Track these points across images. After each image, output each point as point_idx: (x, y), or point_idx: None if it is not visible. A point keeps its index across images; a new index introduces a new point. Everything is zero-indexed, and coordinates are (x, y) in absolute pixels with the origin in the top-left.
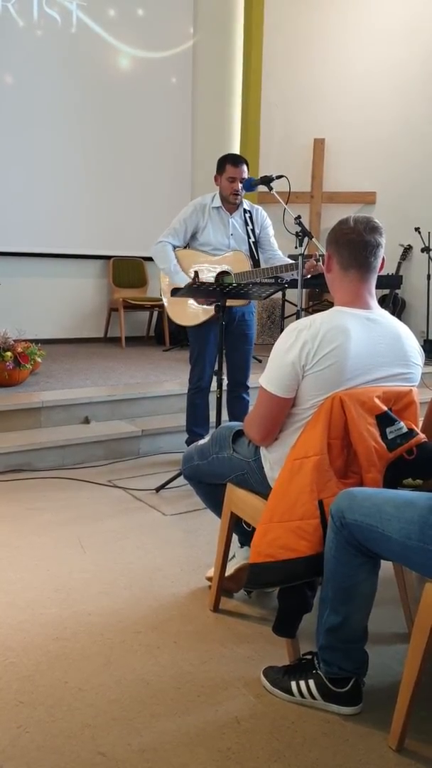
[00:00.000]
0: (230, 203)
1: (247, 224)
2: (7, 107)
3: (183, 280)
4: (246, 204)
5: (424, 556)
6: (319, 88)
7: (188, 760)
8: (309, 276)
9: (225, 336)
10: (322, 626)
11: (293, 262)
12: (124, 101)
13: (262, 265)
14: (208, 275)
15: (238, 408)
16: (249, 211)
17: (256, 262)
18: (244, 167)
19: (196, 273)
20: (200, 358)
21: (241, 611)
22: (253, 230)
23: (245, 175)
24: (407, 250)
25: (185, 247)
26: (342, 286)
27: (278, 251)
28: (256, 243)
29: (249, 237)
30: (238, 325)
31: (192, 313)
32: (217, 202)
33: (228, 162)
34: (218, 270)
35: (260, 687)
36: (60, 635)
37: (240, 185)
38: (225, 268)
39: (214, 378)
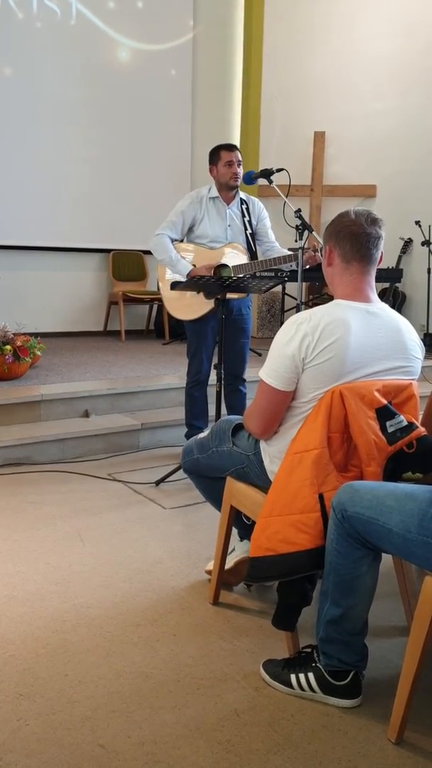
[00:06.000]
0: (231, 187)
1: (244, 215)
2: (6, 100)
3: (186, 268)
4: (242, 195)
5: (424, 548)
6: (319, 80)
7: (188, 752)
8: (308, 267)
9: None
10: (323, 618)
11: (290, 253)
12: (123, 94)
13: (260, 257)
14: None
15: (235, 400)
16: (245, 202)
17: (253, 254)
18: (238, 152)
19: (194, 266)
20: (198, 352)
21: (241, 604)
22: (249, 222)
23: (240, 158)
24: (407, 243)
25: (181, 241)
26: (343, 280)
27: (275, 243)
28: (253, 235)
29: (246, 228)
30: (235, 319)
31: (190, 307)
32: (214, 193)
33: (222, 149)
34: (216, 263)
35: (260, 680)
36: (60, 628)
37: (239, 169)
38: (223, 261)
39: (212, 371)
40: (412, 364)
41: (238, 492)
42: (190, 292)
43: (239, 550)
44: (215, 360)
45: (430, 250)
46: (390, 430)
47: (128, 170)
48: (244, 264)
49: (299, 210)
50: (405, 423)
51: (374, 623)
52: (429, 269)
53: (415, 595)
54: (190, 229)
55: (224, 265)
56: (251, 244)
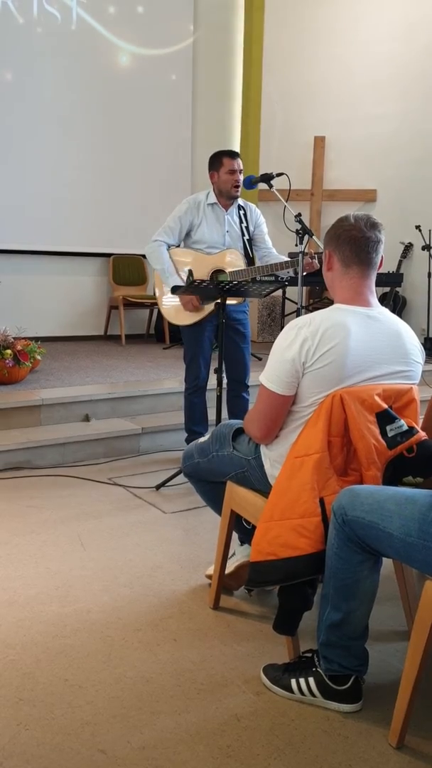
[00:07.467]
0: (231, 196)
1: (241, 221)
2: (7, 104)
3: (175, 283)
4: (240, 201)
5: (424, 552)
6: (319, 85)
7: (188, 757)
8: (305, 273)
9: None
10: (323, 623)
11: (288, 259)
12: (124, 99)
13: (257, 263)
14: (202, 274)
15: (238, 407)
16: (243, 208)
17: (250, 260)
18: (240, 159)
19: (191, 272)
20: (195, 357)
21: (241, 609)
22: (247, 228)
23: (242, 167)
24: (408, 247)
25: (178, 246)
26: (343, 284)
27: (272, 249)
28: (250, 241)
29: (243, 234)
30: (232, 324)
31: (186, 312)
32: (212, 199)
33: (224, 156)
34: (213, 268)
35: (260, 684)
36: (60, 632)
37: (240, 176)
38: (220, 266)
39: (212, 376)
40: (413, 369)
41: (238, 496)
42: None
43: (239, 555)
44: (214, 365)
45: (430, 255)
46: (390, 434)
47: (128, 174)
48: (241, 270)
49: (299, 214)
50: (405, 427)
51: (375, 627)
52: (429, 273)
53: (416, 600)
54: (188, 235)
55: (221, 271)
56: (249, 250)
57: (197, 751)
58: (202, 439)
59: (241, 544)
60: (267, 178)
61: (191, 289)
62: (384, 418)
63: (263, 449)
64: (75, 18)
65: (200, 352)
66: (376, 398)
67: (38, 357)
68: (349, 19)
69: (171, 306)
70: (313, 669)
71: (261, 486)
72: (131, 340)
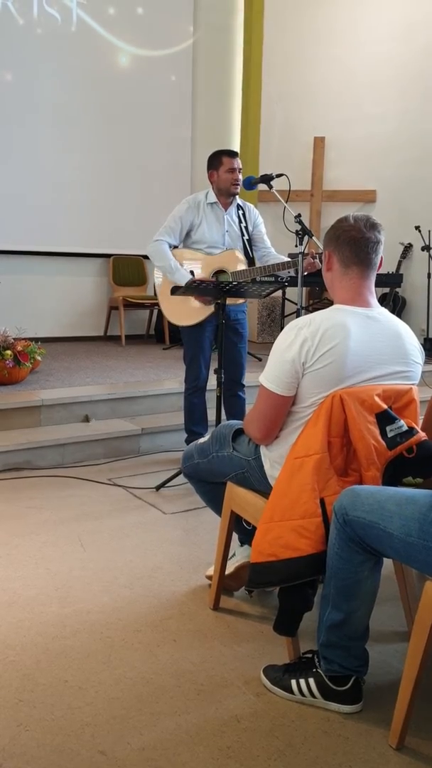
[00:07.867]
0: (231, 194)
1: (241, 221)
2: (7, 105)
3: (184, 277)
4: (239, 201)
5: (425, 553)
6: (319, 86)
7: (188, 758)
8: (305, 273)
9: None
10: (324, 623)
11: (289, 260)
12: (123, 99)
13: (257, 263)
14: (204, 274)
15: (234, 407)
16: (242, 208)
17: (250, 261)
18: (239, 158)
19: (192, 272)
20: (195, 358)
21: (241, 610)
22: (246, 227)
23: (241, 166)
24: (407, 248)
25: (177, 247)
26: (342, 285)
27: (272, 249)
28: (249, 240)
29: (243, 234)
30: (231, 324)
31: (187, 312)
32: (212, 198)
33: (224, 155)
34: (214, 269)
35: (260, 685)
36: (60, 633)
37: (239, 175)
38: (221, 267)
39: (211, 376)
40: (412, 369)
41: (238, 497)
42: (187, 298)
43: (240, 555)
44: (213, 365)
45: (430, 255)
46: (390, 434)
47: (128, 175)
48: (243, 270)
49: (299, 215)
50: (405, 428)
51: (375, 628)
52: (429, 274)
53: (416, 600)
54: (188, 235)
55: (223, 271)
56: (248, 250)
57: (197, 752)
58: (201, 440)
59: (241, 545)
60: (267, 179)
61: (191, 290)
62: (384, 419)
63: (263, 450)
64: (75, 19)
65: (200, 352)
66: (376, 399)
67: (38, 358)
68: (348, 20)
69: (172, 306)
70: (314, 670)
71: (261, 487)
72: (131, 340)
